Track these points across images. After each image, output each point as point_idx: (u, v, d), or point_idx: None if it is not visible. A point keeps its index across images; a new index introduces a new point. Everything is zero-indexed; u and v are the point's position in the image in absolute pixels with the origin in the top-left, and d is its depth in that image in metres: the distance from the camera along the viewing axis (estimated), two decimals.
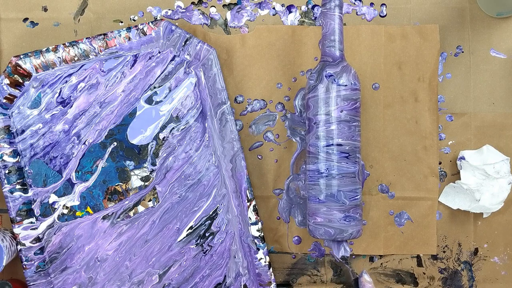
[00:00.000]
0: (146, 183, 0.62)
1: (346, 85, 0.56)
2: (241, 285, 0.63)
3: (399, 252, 0.64)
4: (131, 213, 0.62)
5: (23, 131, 0.61)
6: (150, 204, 0.62)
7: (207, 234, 0.63)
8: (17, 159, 0.61)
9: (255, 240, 0.61)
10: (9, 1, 0.64)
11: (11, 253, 0.59)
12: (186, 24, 0.64)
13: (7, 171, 0.60)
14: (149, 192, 0.62)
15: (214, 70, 0.61)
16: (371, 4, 0.64)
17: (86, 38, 0.60)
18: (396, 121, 0.64)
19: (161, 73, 0.62)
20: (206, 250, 0.63)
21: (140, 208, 0.62)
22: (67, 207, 0.62)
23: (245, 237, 0.62)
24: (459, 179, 0.63)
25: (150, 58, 0.62)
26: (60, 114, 0.62)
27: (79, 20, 0.65)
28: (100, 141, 0.62)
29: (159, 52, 0.62)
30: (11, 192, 0.60)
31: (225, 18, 0.64)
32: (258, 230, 0.61)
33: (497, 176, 0.61)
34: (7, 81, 0.60)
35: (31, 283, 0.60)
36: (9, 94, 0.61)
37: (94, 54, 0.61)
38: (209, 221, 0.63)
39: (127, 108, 0.62)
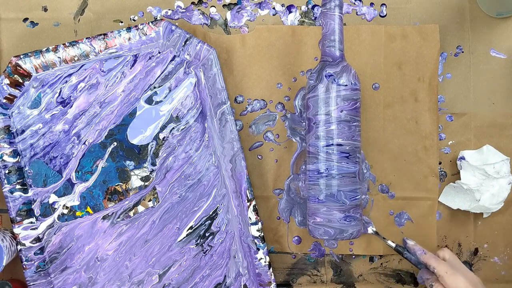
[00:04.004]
0: (146, 183, 0.62)
1: (346, 85, 0.56)
2: (241, 285, 0.63)
3: None
4: (131, 213, 0.62)
5: (23, 131, 0.61)
6: (150, 204, 0.62)
7: (207, 234, 0.63)
8: (17, 159, 0.61)
9: (255, 240, 0.61)
10: (9, 1, 0.64)
11: (11, 253, 0.59)
12: (186, 24, 0.64)
13: (7, 171, 0.60)
14: (149, 192, 0.62)
15: (214, 70, 0.61)
16: (371, 4, 0.64)
17: (86, 38, 0.60)
18: (396, 121, 0.64)
19: (161, 73, 0.62)
20: (206, 250, 0.63)
21: (140, 208, 0.62)
22: (67, 207, 0.62)
23: (245, 237, 0.62)
24: (459, 179, 0.63)
25: (150, 58, 0.62)
26: (60, 114, 0.62)
27: (79, 20, 0.65)
28: (100, 141, 0.62)
29: (159, 52, 0.62)
30: (11, 192, 0.60)
31: (225, 18, 0.64)
32: (258, 230, 0.61)
33: (497, 176, 0.61)
34: (7, 81, 0.60)
35: (31, 283, 0.60)
36: (9, 94, 0.61)
37: (94, 54, 0.61)
38: (209, 221, 0.63)
39: (127, 108, 0.62)
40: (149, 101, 0.62)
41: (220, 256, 0.63)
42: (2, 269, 0.57)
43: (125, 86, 0.62)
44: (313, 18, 0.64)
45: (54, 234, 0.62)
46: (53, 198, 0.62)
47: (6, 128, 0.61)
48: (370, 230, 0.61)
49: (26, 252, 0.60)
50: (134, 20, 0.65)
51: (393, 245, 0.60)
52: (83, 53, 0.61)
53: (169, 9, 0.65)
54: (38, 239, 0.61)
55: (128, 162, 0.62)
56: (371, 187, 0.64)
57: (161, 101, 0.62)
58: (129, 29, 0.61)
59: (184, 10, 0.65)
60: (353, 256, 0.65)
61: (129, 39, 0.61)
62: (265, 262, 0.61)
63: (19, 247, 0.60)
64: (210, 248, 0.63)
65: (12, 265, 0.63)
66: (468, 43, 0.64)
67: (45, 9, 0.65)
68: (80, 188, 0.62)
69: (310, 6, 0.64)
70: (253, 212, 0.61)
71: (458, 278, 0.53)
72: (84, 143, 0.62)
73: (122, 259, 0.62)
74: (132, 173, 0.62)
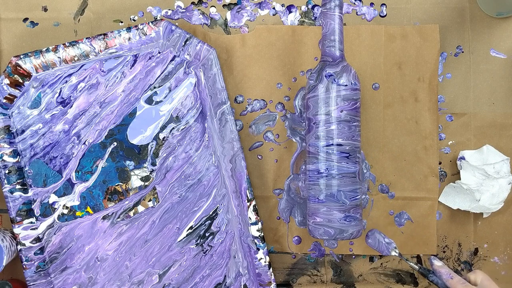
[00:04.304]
0: (146, 183, 0.62)
1: (346, 85, 0.56)
2: (241, 285, 0.63)
3: None
4: (131, 213, 0.62)
5: (23, 131, 0.61)
6: (150, 204, 0.62)
7: (207, 234, 0.63)
8: (17, 159, 0.61)
9: (255, 240, 0.61)
10: (9, 1, 0.64)
11: (11, 253, 0.59)
12: (186, 24, 0.64)
13: (7, 171, 0.60)
14: (149, 192, 0.62)
15: (214, 70, 0.61)
16: (371, 4, 0.64)
17: (86, 38, 0.60)
18: (396, 121, 0.64)
19: (161, 73, 0.62)
20: (206, 250, 0.63)
21: (140, 208, 0.62)
22: (67, 207, 0.62)
23: (245, 237, 0.62)
24: (459, 179, 0.63)
25: (150, 58, 0.62)
26: (60, 114, 0.62)
27: (79, 20, 0.65)
28: (100, 141, 0.62)
29: (159, 52, 0.62)
30: (11, 192, 0.60)
31: (225, 18, 0.64)
32: (258, 230, 0.61)
33: (497, 176, 0.61)
34: (7, 81, 0.60)
35: (31, 283, 0.60)
36: (9, 94, 0.61)
37: (94, 54, 0.61)
38: (209, 221, 0.63)
39: (127, 108, 0.62)
40: (149, 101, 0.62)
41: (220, 256, 0.63)
42: (2, 269, 0.57)
43: (125, 86, 0.62)
44: (313, 18, 0.64)
45: (54, 234, 0.62)
46: (53, 198, 0.62)
47: (6, 128, 0.61)
48: (393, 252, 0.58)
49: (26, 252, 0.60)
50: (134, 20, 0.65)
51: (417, 267, 0.55)
52: (83, 53, 0.61)
53: (169, 9, 0.65)
54: (38, 239, 0.61)
55: (128, 162, 0.62)
56: (371, 187, 0.64)
57: (161, 101, 0.62)
58: (129, 29, 0.61)
59: (184, 10, 0.65)
60: (353, 256, 0.65)
61: (129, 39, 0.61)
62: (265, 262, 0.61)
63: (19, 247, 0.60)
64: (210, 248, 0.63)
65: (12, 265, 0.63)
66: (468, 43, 0.64)
67: (45, 9, 0.65)
68: (80, 188, 0.62)
69: (310, 6, 0.64)
70: (253, 212, 0.61)
71: None
72: (84, 143, 0.62)
73: (122, 259, 0.62)
74: (132, 173, 0.62)
